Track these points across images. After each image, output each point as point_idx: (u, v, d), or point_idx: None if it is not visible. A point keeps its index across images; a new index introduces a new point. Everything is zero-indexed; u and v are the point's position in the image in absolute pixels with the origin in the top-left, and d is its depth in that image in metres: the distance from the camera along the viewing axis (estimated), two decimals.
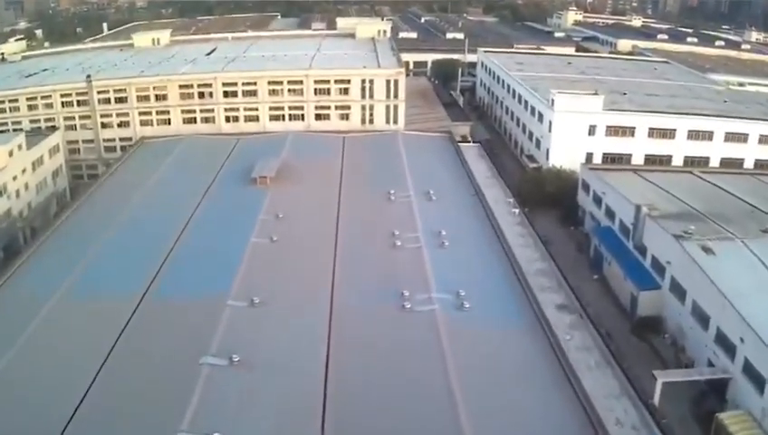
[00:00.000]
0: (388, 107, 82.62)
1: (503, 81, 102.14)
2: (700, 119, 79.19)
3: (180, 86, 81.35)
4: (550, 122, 79.22)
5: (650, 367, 44.10)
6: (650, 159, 77.26)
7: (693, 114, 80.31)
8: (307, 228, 51.47)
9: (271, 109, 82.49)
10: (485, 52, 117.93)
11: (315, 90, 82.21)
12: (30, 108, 79.31)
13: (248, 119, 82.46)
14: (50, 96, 79.55)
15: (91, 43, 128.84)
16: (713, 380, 43.18)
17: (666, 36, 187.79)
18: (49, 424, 31.10)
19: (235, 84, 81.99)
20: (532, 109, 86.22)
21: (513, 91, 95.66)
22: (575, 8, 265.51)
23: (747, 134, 78.12)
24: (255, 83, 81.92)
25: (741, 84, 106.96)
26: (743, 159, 78.04)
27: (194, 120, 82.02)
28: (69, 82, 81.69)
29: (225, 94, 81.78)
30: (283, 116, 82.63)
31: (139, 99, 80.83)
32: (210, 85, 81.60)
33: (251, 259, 45.80)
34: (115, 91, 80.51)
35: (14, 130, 76.10)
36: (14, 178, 65.86)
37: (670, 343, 49.34)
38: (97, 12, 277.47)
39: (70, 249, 49.84)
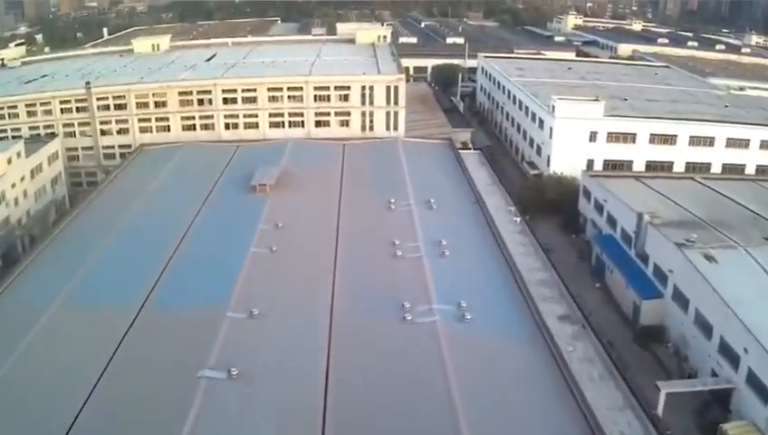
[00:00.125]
0: (388, 113, 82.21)
1: (503, 86, 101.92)
2: (701, 124, 78.97)
3: (180, 93, 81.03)
4: (551, 129, 78.96)
5: (653, 377, 43.80)
6: (652, 166, 77.02)
7: (694, 120, 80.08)
8: (306, 238, 51.17)
9: (271, 116, 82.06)
10: (486, 57, 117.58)
11: (315, 96, 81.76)
12: (29, 114, 79.02)
13: (248, 126, 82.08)
14: (49, 103, 79.30)
15: (91, 48, 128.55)
16: (716, 390, 42.83)
17: (666, 40, 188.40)
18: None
19: (235, 91, 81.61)
20: (533, 115, 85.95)
21: (514, 96, 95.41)
22: (575, 12, 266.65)
23: (749, 140, 77.89)
24: (255, 90, 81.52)
25: (741, 89, 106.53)
26: (744, 165, 77.81)
27: (193, 127, 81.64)
28: (68, 88, 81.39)
29: (225, 101, 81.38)
30: (283, 123, 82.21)
31: (139, 105, 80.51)
32: (210, 92, 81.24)
33: (250, 269, 45.49)
34: (114, 97, 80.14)
35: (13, 137, 75.84)
36: (13, 185, 65.59)
37: (673, 353, 49.00)
38: (97, 16, 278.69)
39: (69, 257, 49.66)
